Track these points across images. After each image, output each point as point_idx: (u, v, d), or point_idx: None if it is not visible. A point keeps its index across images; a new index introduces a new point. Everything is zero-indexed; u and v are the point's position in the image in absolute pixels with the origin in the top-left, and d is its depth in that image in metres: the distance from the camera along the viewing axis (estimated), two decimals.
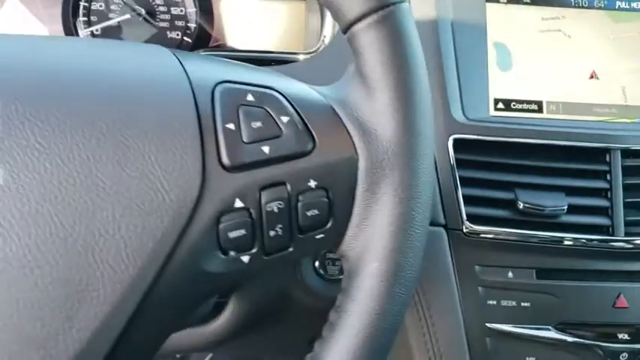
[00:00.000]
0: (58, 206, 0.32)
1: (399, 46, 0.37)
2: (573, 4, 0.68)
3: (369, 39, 0.37)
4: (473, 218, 0.61)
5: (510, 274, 0.63)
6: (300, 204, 0.37)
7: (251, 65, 0.43)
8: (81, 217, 0.33)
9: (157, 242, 0.34)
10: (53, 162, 0.33)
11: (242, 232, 0.36)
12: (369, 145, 0.38)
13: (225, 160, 0.36)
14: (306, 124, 0.38)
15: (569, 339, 0.63)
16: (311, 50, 0.77)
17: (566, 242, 0.62)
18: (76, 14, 0.77)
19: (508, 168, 0.62)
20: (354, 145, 0.38)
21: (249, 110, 0.37)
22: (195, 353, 0.89)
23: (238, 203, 0.36)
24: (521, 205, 0.60)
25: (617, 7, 0.68)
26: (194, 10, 0.79)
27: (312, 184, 0.37)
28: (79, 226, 0.33)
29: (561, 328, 0.63)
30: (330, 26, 0.76)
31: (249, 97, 0.38)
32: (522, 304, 0.63)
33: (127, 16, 0.77)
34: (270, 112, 0.38)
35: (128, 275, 0.33)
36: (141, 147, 0.34)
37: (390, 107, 0.38)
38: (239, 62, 0.43)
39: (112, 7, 0.78)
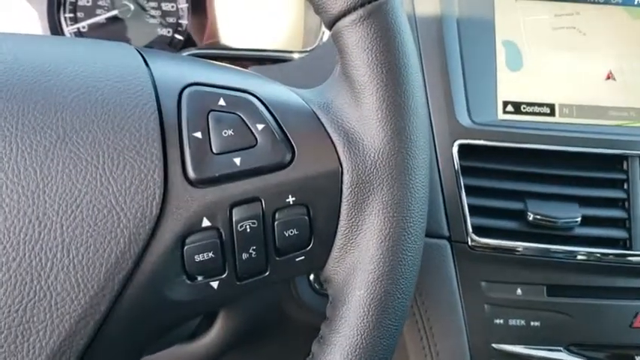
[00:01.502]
0: None
1: (389, 44, 0.33)
2: None
3: (354, 37, 0.33)
4: (479, 230, 0.58)
5: (519, 291, 0.60)
6: (276, 223, 0.34)
7: (227, 65, 0.39)
8: (25, 240, 0.29)
9: (112, 267, 0.30)
10: None
11: (210, 255, 0.32)
12: (354, 156, 0.34)
13: (191, 173, 0.32)
14: (284, 132, 0.34)
15: None
16: (308, 49, 0.73)
17: (579, 257, 0.58)
18: (62, 10, 0.74)
19: (517, 176, 0.59)
20: (338, 156, 0.35)
21: (220, 116, 0.33)
22: None
23: (206, 222, 0.32)
24: (531, 217, 0.57)
25: (635, 2, 0.64)
26: (186, 5, 0.75)
27: (291, 200, 0.34)
28: (22, 250, 0.29)
29: (574, 349, 0.60)
30: None
31: (221, 102, 0.34)
32: (532, 323, 0.60)
33: (115, 12, 0.74)
34: (244, 119, 0.34)
35: (79, 305, 0.30)
36: (94, 158, 0.31)
37: (379, 113, 0.34)
38: (214, 62, 0.39)
39: (100, 2, 0.74)
